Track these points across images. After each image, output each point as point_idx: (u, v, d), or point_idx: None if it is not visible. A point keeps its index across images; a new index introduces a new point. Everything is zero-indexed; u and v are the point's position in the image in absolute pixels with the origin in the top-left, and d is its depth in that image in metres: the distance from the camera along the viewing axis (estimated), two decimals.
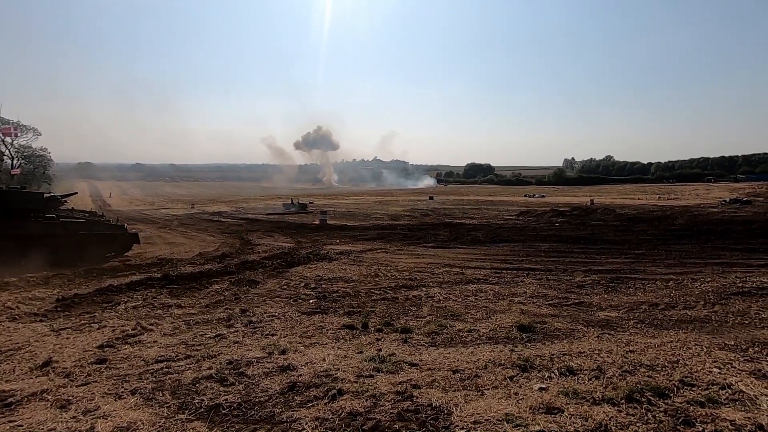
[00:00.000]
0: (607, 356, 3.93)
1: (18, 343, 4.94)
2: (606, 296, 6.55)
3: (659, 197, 42.28)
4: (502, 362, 3.86)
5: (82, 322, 5.77)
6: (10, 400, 3.48)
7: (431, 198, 47.00)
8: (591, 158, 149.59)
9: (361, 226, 19.85)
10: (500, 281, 7.75)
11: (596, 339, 4.49)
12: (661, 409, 2.96)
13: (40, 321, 5.93)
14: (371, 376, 3.70)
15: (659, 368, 3.69)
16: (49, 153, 50.14)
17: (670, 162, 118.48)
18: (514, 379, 3.52)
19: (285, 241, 14.89)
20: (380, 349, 4.36)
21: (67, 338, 5.09)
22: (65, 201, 12.30)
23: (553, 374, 3.56)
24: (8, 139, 40.29)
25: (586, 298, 6.41)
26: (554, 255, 11.07)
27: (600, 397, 3.12)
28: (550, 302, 6.23)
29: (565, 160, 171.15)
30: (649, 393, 3.16)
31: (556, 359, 3.89)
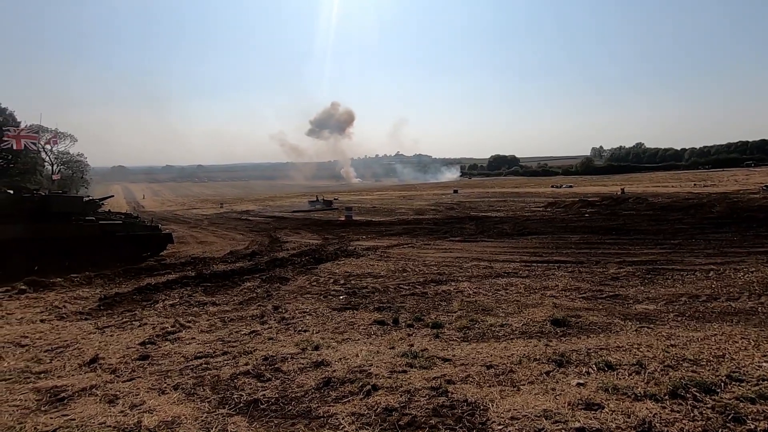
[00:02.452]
0: (647, 351, 3.80)
1: (66, 340, 5.21)
2: (642, 288, 6.33)
3: (694, 184, 40.51)
4: (537, 357, 3.80)
5: (124, 320, 6.02)
6: (62, 394, 3.68)
7: (455, 191, 46.57)
8: (620, 146, 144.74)
9: (387, 222, 19.88)
10: (531, 274, 7.61)
11: (634, 333, 4.35)
12: (709, 405, 2.85)
13: (86, 319, 6.23)
14: (404, 372, 3.71)
15: (704, 363, 3.54)
16: (86, 158, 52.42)
17: (705, 147, 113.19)
18: (551, 374, 3.45)
19: (312, 238, 15.08)
20: (412, 345, 4.37)
21: (111, 336, 5.33)
22: (103, 204, 12.81)
23: (590, 369, 3.48)
24: (48, 146, 42.32)
25: (622, 291, 6.22)
26: (585, 247, 10.78)
27: (642, 392, 3.03)
28: (583, 295, 6.08)
29: (593, 148, 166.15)
30: (695, 389, 3.05)
31: (593, 354, 3.79)
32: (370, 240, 13.73)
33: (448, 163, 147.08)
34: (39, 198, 10.55)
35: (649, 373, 3.33)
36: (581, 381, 3.27)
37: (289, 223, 20.86)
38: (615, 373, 3.39)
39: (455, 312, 5.47)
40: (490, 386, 3.32)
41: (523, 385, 3.31)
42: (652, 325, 4.58)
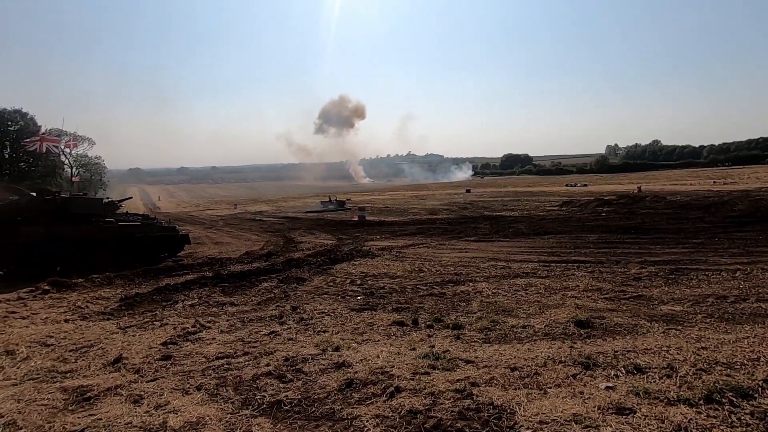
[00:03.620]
0: (677, 353, 3.70)
1: (90, 340, 5.30)
2: (666, 289, 6.18)
3: (714, 182, 39.61)
4: (563, 359, 3.72)
5: (146, 320, 6.10)
6: (88, 394, 3.72)
7: (468, 191, 46.30)
8: (636, 143, 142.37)
9: (400, 222, 19.84)
10: (550, 275, 7.50)
11: (662, 335, 4.24)
12: (747, 411, 2.75)
13: (108, 319, 6.32)
14: (427, 374, 3.67)
15: (738, 366, 3.43)
16: (103, 161, 53.47)
17: (724, 144, 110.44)
18: (578, 377, 3.38)
19: (326, 238, 15.12)
20: (433, 346, 4.32)
21: (133, 336, 5.39)
22: (121, 205, 13.02)
23: (619, 372, 3.39)
24: (67, 149, 43.29)
25: (645, 291, 6.08)
26: (604, 246, 10.59)
27: (675, 397, 2.94)
28: (605, 296, 5.95)
29: (608, 146, 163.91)
30: (731, 393, 2.95)
31: (620, 356, 3.70)
32: (384, 240, 13.70)
33: (459, 162, 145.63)
34: (61, 200, 10.75)
35: (681, 376, 3.24)
36: (610, 384, 3.19)
37: (302, 224, 20.96)
38: (645, 376, 3.30)
39: (475, 313, 5.41)
40: (515, 389, 3.26)
41: (550, 388, 3.24)
42: (680, 327, 4.46)
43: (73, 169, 48.35)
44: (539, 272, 7.74)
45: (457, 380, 3.45)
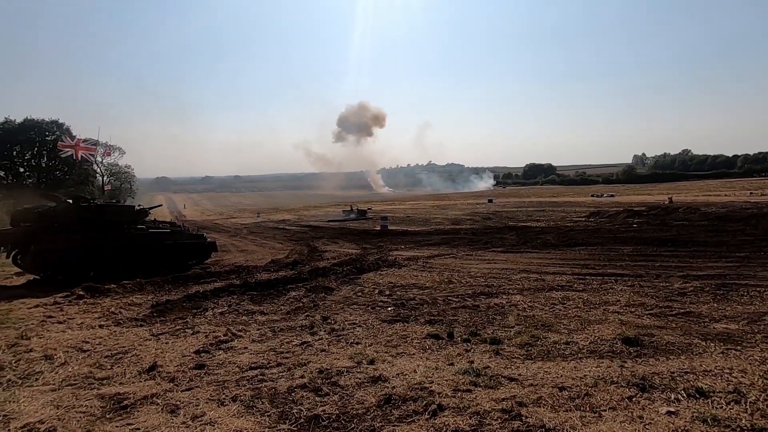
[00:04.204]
0: (742, 376, 3.42)
1: (125, 346, 5.33)
2: (716, 305, 5.82)
3: (750, 193, 37.96)
4: (615, 380, 3.50)
5: (177, 327, 6.12)
6: (125, 402, 3.71)
7: (490, 201, 45.76)
8: (665, 153, 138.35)
9: (423, 232, 19.66)
10: (587, 288, 7.20)
11: (721, 356, 3.95)
12: None
13: (140, 326, 6.38)
14: (469, 391, 3.50)
15: None
16: (133, 170, 55.17)
17: (760, 153, 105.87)
18: (634, 399, 3.15)
19: (350, 247, 15.07)
20: (472, 361, 4.15)
21: (166, 343, 5.40)
22: (150, 213, 13.31)
23: (680, 396, 3.15)
24: (99, 158, 44.96)
25: (693, 308, 5.74)
26: (641, 259, 10.17)
27: (749, 425, 2.69)
28: (650, 312, 5.65)
29: (635, 156, 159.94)
30: None
31: (678, 378, 3.45)
32: (409, 250, 13.55)
33: (478, 171, 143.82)
34: (96, 207, 11.05)
35: (750, 402, 2.98)
36: (672, 409, 2.96)
37: (325, 233, 21.02)
38: (709, 401, 3.05)
39: (512, 327, 5.20)
40: (566, 411, 3.07)
41: (605, 411, 3.03)
42: (739, 348, 4.15)
43: (105, 178, 50.09)
44: (575, 285, 7.45)
45: (503, 399, 3.28)
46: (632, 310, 5.77)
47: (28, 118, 42.45)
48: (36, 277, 10.77)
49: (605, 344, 4.42)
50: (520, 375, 3.75)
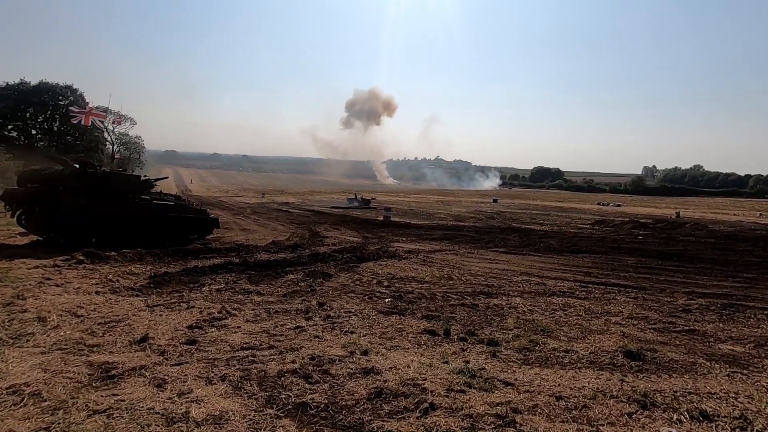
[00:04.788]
0: (748, 402, 3.30)
1: (119, 315, 5.28)
2: (722, 326, 5.68)
3: (760, 214, 37.44)
4: (614, 394, 3.39)
5: (173, 300, 6.06)
6: (113, 372, 3.65)
7: (495, 201, 45.52)
8: (676, 167, 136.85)
9: (426, 225, 19.53)
10: (589, 296, 7.07)
11: (726, 378, 3.83)
12: None
13: (137, 296, 6.33)
14: (463, 392, 3.41)
15: None
16: (143, 141, 55.16)
17: None
18: (634, 416, 3.05)
19: (351, 235, 14.99)
20: (467, 361, 4.05)
21: (160, 315, 5.34)
22: (156, 184, 13.24)
23: (682, 417, 3.04)
24: (111, 126, 44.93)
25: (698, 326, 5.60)
26: (645, 271, 10.01)
27: None
28: (653, 326, 5.52)
29: (645, 167, 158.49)
30: None
31: (681, 398, 3.34)
32: (410, 243, 13.45)
33: (484, 169, 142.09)
34: (102, 174, 10.99)
35: (757, 430, 2.86)
36: (673, 430, 2.85)
37: (328, 219, 20.94)
38: (714, 425, 2.94)
39: (511, 330, 5.09)
40: (563, 422, 2.97)
41: (603, 425, 2.93)
42: (745, 372, 4.02)
43: (115, 146, 50.10)
44: (577, 292, 7.32)
45: (497, 404, 3.18)
46: (635, 322, 5.64)
47: (43, 81, 42.45)
48: (39, 238, 10.78)
49: (606, 356, 4.31)
50: (516, 380, 3.65)
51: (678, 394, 3.41)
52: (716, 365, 4.15)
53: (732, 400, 3.33)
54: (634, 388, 3.49)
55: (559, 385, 3.57)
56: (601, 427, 2.90)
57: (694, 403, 3.23)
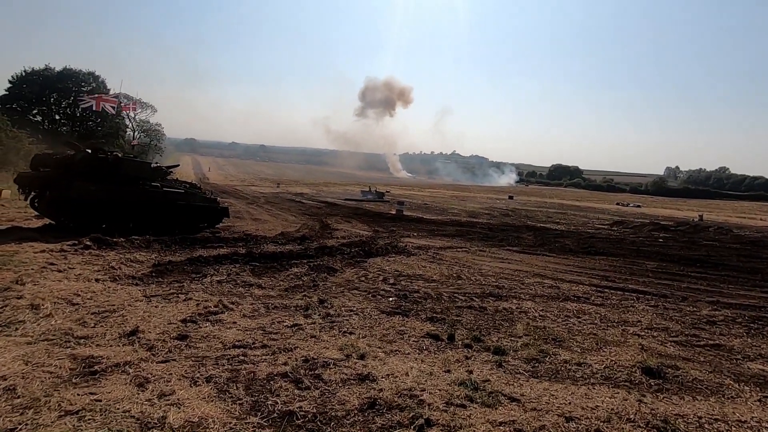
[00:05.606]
0: None
1: (114, 305, 5.15)
2: (750, 341, 5.26)
3: None
4: (631, 417, 3.07)
5: (172, 291, 5.92)
6: (96, 367, 3.48)
7: (511, 197, 44.75)
8: (700, 168, 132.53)
9: (438, 221, 19.18)
10: (605, 303, 6.69)
11: (758, 404, 3.46)
12: None
13: (136, 285, 6.21)
14: (463, 406, 3.14)
15: None
16: (163, 128, 55.80)
17: None
18: None
19: (362, 228, 14.76)
20: (471, 371, 3.77)
21: (155, 306, 5.19)
22: (171, 172, 13.19)
23: None
24: (131, 114, 45.49)
25: (723, 340, 5.20)
26: (665, 277, 9.52)
27: None
28: (675, 339, 5.14)
29: (668, 168, 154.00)
30: None
31: (707, 426, 3.00)
32: (421, 239, 13.14)
33: (499, 165, 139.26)
34: (113, 159, 10.95)
35: None
36: None
37: (340, 211, 20.76)
38: None
39: (520, 337, 4.78)
40: None
41: None
42: None
43: (135, 133, 50.78)
44: (593, 298, 6.94)
45: (500, 423, 2.90)
46: (654, 334, 5.26)
47: (67, 67, 43.17)
48: (51, 222, 10.83)
49: (622, 371, 3.97)
50: (523, 395, 3.36)
51: (703, 420, 3.07)
52: (746, 387, 3.78)
53: (765, 430, 2.98)
54: (653, 411, 3.16)
55: (569, 403, 3.26)
56: None
57: None
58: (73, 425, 2.64)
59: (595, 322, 5.60)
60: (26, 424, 2.62)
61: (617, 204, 48.27)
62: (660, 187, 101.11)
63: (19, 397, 2.93)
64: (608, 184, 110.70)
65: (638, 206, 46.81)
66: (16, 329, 4.19)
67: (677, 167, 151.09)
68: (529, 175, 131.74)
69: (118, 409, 2.87)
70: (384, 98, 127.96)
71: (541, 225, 20.66)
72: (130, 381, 3.28)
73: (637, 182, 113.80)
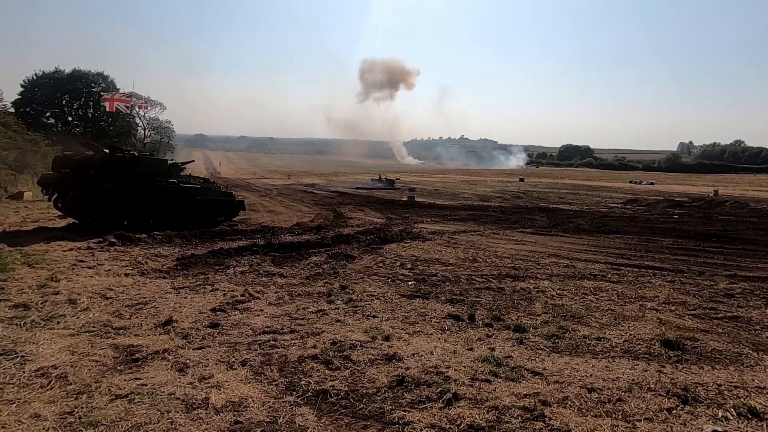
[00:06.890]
0: None
1: (146, 297, 5.38)
2: None
3: None
4: (652, 387, 3.18)
5: (198, 282, 6.14)
6: (137, 355, 3.70)
7: (522, 180, 44.40)
8: (715, 142, 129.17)
9: (451, 206, 19.22)
10: (622, 280, 6.75)
11: None
12: None
13: (163, 278, 6.44)
14: (488, 381, 3.28)
15: None
16: (173, 125, 56.24)
17: None
18: (674, 412, 2.84)
19: (376, 216, 14.89)
20: (493, 348, 3.91)
21: (185, 298, 5.41)
22: (185, 168, 13.42)
23: (729, 414, 2.82)
24: (141, 112, 45.93)
25: (742, 312, 5.25)
26: (681, 253, 9.50)
27: None
28: (693, 312, 5.20)
29: (681, 143, 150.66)
30: None
31: (726, 393, 3.10)
32: (435, 224, 13.24)
33: (506, 147, 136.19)
34: (130, 158, 11.21)
35: None
36: (719, 429, 2.64)
37: (352, 200, 20.90)
38: (764, 424, 2.71)
39: (539, 315, 4.89)
40: (596, 416, 2.80)
41: (639, 421, 2.74)
42: None
43: (146, 131, 51.34)
44: (609, 276, 7.00)
45: (525, 395, 3.03)
46: (672, 308, 5.33)
47: (76, 69, 43.62)
48: (74, 221, 11.17)
49: (641, 344, 4.06)
50: (545, 369, 3.48)
51: (722, 388, 3.17)
52: (765, 356, 3.85)
53: None
54: (673, 381, 3.27)
55: (591, 375, 3.38)
56: (637, 423, 2.71)
57: (742, 399, 2.99)
58: (125, 407, 2.84)
59: (613, 298, 5.67)
60: (82, 408, 2.83)
61: (630, 182, 47.60)
62: (673, 163, 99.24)
63: (71, 384, 3.14)
64: (620, 162, 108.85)
65: (652, 183, 46.13)
66: (58, 322, 4.43)
67: (691, 142, 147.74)
68: (539, 157, 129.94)
69: (164, 392, 3.07)
70: (387, 80, 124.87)
71: (554, 206, 20.56)
72: (171, 366, 3.48)
73: (650, 159, 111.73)
